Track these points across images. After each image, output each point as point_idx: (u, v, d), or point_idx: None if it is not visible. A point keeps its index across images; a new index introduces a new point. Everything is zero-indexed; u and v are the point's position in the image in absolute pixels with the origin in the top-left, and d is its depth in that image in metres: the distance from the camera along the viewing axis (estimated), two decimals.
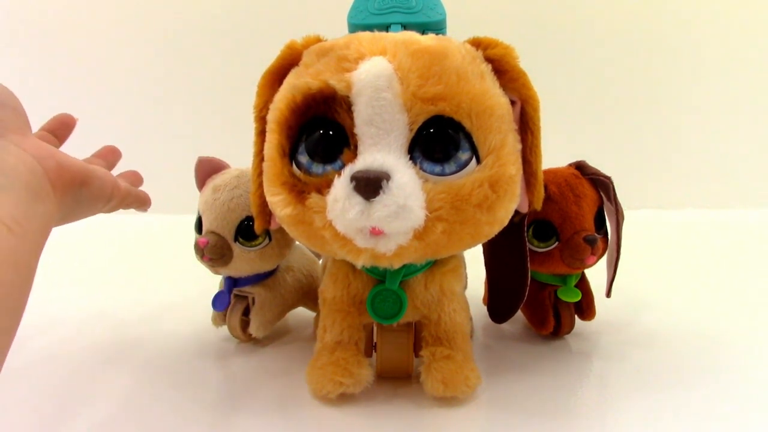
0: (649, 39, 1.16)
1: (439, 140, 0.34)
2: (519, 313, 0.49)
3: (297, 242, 0.52)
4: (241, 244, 0.47)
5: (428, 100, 0.33)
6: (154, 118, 1.23)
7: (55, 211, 0.34)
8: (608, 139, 1.17)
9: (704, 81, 1.17)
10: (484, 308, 0.53)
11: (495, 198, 0.34)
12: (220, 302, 0.50)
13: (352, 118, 0.34)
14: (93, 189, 0.38)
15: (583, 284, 0.50)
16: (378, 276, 0.41)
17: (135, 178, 0.49)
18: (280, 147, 0.36)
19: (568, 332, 0.51)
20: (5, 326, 0.29)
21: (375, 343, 0.45)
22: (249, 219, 0.46)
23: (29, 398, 0.44)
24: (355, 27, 0.42)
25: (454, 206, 0.33)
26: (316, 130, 0.35)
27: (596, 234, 0.46)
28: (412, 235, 0.34)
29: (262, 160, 0.38)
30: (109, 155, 0.49)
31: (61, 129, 0.45)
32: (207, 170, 0.50)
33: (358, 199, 0.32)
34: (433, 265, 0.42)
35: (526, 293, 0.45)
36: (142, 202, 0.47)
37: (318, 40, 0.39)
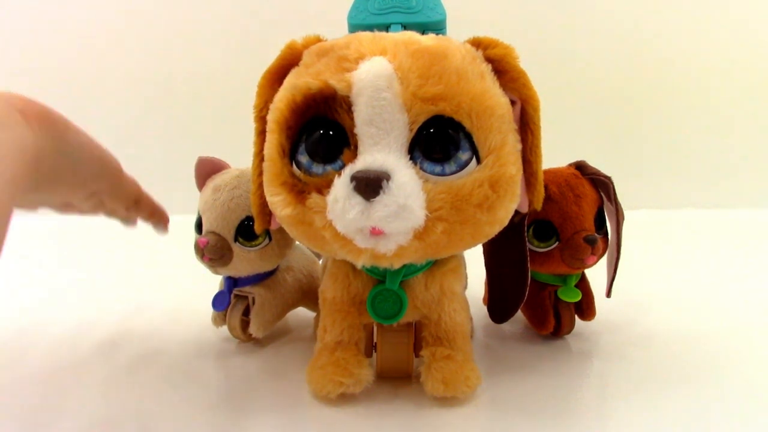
0: (649, 39, 1.16)
1: (439, 140, 0.34)
2: (519, 313, 0.49)
3: (297, 242, 0.52)
4: (241, 244, 0.47)
5: (428, 100, 0.33)
6: (155, 118, 1.23)
7: (31, 138, 0.32)
8: (608, 139, 1.17)
9: (704, 81, 1.17)
10: (484, 308, 0.53)
11: (495, 198, 0.34)
12: (220, 302, 0.50)
13: (352, 118, 0.34)
14: (78, 138, 0.37)
15: (583, 284, 0.50)
16: (378, 276, 0.41)
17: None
18: (280, 147, 0.36)
19: (568, 332, 0.51)
20: None
21: (375, 343, 0.45)
22: (249, 219, 0.46)
23: (29, 398, 0.44)
24: (355, 27, 0.42)
25: (454, 206, 0.33)
26: (316, 130, 0.35)
27: (596, 234, 0.46)
28: (412, 235, 0.34)
29: (262, 160, 0.38)
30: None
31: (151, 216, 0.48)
32: (207, 170, 0.50)
33: (358, 199, 0.32)
34: (433, 265, 0.42)
35: (526, 293, 0.45)
36: (158, 216, 0.48)
37: (318, 40, 0.39)
